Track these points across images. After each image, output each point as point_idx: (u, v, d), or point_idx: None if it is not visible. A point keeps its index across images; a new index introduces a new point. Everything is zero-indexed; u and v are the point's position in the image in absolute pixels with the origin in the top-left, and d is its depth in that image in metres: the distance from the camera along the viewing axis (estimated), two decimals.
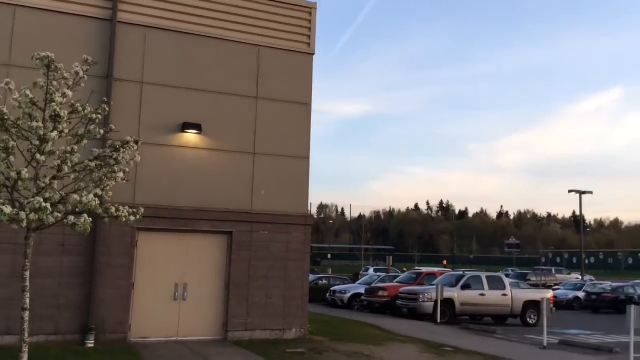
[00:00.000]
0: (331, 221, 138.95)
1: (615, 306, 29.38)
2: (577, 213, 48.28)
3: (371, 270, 44.22)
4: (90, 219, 6.96)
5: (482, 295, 22.47)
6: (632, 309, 13.98)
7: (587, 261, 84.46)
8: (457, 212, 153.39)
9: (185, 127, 14.09)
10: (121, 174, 7.57)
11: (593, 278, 46.32)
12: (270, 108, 15.22)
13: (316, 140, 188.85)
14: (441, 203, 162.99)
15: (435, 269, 34.04)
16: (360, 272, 46.28)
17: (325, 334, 15.52)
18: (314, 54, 15.91)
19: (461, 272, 25.55)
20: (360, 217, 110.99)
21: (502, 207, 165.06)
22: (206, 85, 14.63)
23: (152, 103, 13.95)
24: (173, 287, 13.78)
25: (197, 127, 14.21)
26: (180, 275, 13.88)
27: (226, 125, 14.71)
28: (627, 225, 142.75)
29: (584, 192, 41.55)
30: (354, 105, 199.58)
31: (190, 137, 14.27)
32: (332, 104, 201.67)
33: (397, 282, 26.58)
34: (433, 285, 22.91)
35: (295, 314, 14.75)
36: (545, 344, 15.69)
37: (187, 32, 14.49)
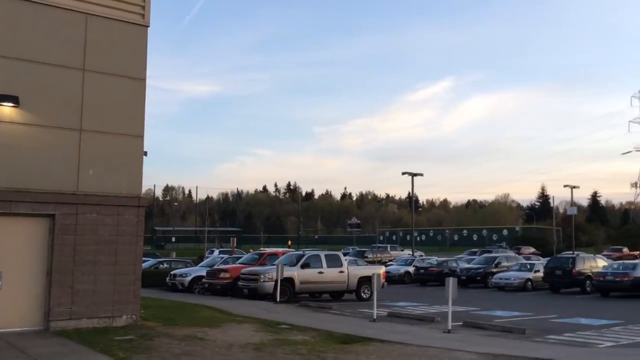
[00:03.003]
0: (176, 203, 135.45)
1: (439, 279, 31.87)
2: (411, 194, 51.71)
3: (216, 252, 43.75)
4: None
5: (321, 273, 23.18)
6: (450, 281, 15.24)
7: (418, 238, 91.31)
8: (303, 193, 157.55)
9: None
10: None
11: (423, 254, 49.94)
12: (99, 82, 14.22)
13: (162, 119, 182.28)
14: (288, 185, 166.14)
15: (279, 250, 34.51)
16: (205, 255, 45.64)
17: (160, 319, 15.02)
18: (148, 26, 15.11)
19: (301, 252, 26.14)
20: (208, 199, 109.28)
21: (345, 188, 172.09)
22: (25, 54, 13.29)
23: None
24: None
25: (14, 100, 12.87)
26: None
27: (48, 99, 13.49)
28: (454, 205, 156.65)
29: (416, 174, 44.57)
30: (202, 86, 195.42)
31: (5, 110, 12.90)
32: (179, 83, 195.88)
33: (239, 264, 26.53)
34: (275, 265, 23.20)
35: (127, 300, 14.07)
36: (375, 317, 16.58)
37: None
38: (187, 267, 30.32)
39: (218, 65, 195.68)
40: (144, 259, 27.51)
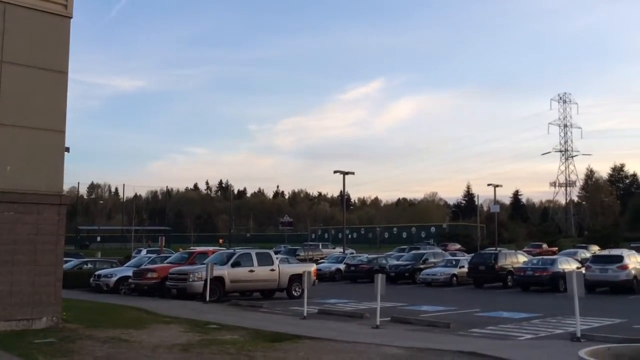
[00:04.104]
0: (102, 201, 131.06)
1: (369, 276, 32.22)
2: (343, 192, 52.32)
3: (143, 252, 42.67)
4: None
5: (252, 271, 23.03)
6: (379, 277, 15.52)
7: (350, 236, 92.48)
8: (235, 192, 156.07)
9: None
10: None
11: (354, 251, 50.53)
12: (18, 74, 13.57)
13: (87, 115, 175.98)
14: (220, 183, 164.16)
15: (210, 248, 34.04)
16: (132, 254, 44.44)
17: (83, 321, 14.50)
18: (71, 17, 14.55)
19: (232, 250, 25.90)
20: (136, 197, 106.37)
21: (278, 186, 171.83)
22: None
23: None
24: None
25: None
26: None
27: None
28: (385, 203, 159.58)
29: (347, 173, 44.98)
30: (131, 81, 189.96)
31: None
32: (106, 78, 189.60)
33: (167, 263, 25.96)
34: (204, 264, 22.85)
35: (47, 302, 13.49)
36: (305, 314, 16.63)
37: None
38: (112, 267, 29.44)
39: (147, 60, 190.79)
40: (66, 259, 26.57)
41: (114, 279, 26.03)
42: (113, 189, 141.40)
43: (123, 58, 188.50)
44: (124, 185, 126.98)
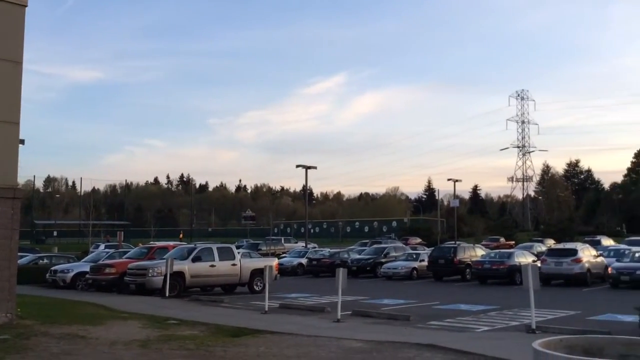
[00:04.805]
0: (58, 195, 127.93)
1: (331, 270, 32.33)
2: (305, 186, 52.31)
3: (101, 247, 41.83)
4: None
5: (213, 266, 22.84)
6: (340, 271, 15.62)
7: (312, 230, 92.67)
8: (197, 185, 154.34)
9: None
10: None
11: (316, 245, 50.63)
12: None
13: (43, 106, 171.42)
14: (182, 177, 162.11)
15: (170, 243, 33.59)
16: (90, 249, 43.50)
17: (38, 317, 14.15)
18: (26, 6, 14.12)
19: (193, 245, 25.63)
20: (94, 191, 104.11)
21: (240, 181, 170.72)
22: None
23: None
24: None
25: None
26: None
27: None
28: (347, 197, 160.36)
29: (309, 167, 45.09)
30: (88, 72, 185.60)
31: None
32: (63, 68, 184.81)
33: (126, 258, 25.52)
34: (164, 259, 22.56)
35: (1, 298, 13.12)
36: (266, 309, 16.60)
37: None
38: (69, 262, 28.83)
39: (105, 50, 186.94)
40: (21, 254, 25.87)
41: (71, 274, 25.51)
42: (70, 183, 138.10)
43: (80, 48, 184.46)
44: (81, 178, 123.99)
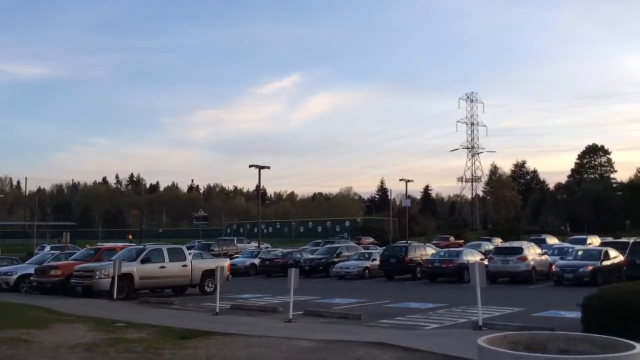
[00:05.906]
0: (1, 195, 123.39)
1: (284, 270, 32.15)
2: (259, 186, 52.13)
3: (47, 248, 40.58)
4: None
5: (163, 267, 22.43)
6: (292, 271, 15.61)
7: (265, 230, 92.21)
8: (147, 185, 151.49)
9: None
10: None
11: (269, 246, 50.40)
12: None
13: None
14: (131, 176, 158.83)
15: (118, 244, 32.85)
16: (35, 251, 42.13)
17: None
18: None
19: (142, 246, 25.13)
20: (39, 190, 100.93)
21: (192, 181, 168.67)
22: None
23: None
24: None
25: None
26: None
27: None
28: (301, 197, 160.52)
29: (263, 167, 44.92)
30: (31, 67, 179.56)
31: None
32: (3, 63, 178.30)
33: (72, 260, 24.82)
34: (112, 260, 22.03)
35: None
36: (217, 310, 16.43)
37: None
38: (13, 264, 27.87)
39: (49, 45, 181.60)
40: None
41: (15, 276, 24.69)
42: (15, 182, 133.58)
43: (24, 43, 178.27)
44: (26, 178, 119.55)
